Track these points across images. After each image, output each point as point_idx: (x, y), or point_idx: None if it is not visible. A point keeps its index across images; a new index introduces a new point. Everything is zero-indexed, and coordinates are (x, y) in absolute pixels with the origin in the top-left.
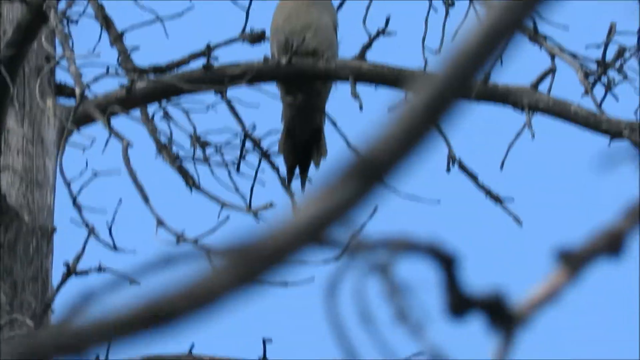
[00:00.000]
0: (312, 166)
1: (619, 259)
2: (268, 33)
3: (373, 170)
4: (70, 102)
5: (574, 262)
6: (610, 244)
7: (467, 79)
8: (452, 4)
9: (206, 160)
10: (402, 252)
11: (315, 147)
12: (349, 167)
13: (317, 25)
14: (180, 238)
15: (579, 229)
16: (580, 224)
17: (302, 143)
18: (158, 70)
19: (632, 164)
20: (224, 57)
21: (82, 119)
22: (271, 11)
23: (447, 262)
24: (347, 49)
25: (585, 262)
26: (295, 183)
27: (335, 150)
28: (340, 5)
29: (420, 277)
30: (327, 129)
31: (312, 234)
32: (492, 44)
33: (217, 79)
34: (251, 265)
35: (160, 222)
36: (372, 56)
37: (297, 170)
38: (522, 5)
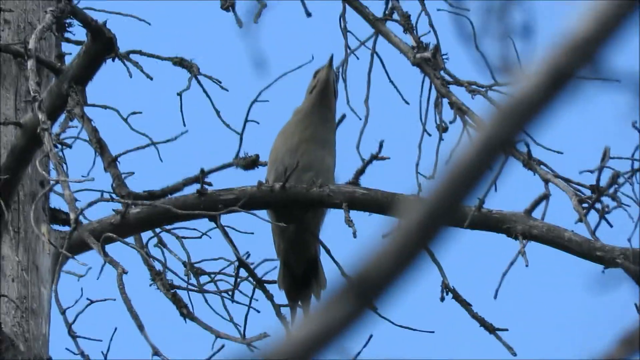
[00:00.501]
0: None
1: None
2: (262, 158)
3: (366, 291)
4: (64, 229)
5: None
6: None
7: (458, 200)
8: (446, 129)
9: (201, 288)
10: None
11: (314, 279)
12: (342, 288)
13: (320, 167)
14: None
15: (574, 357)
16: (575, 354)
17: (301, 275)
18: (152, 196)
19: (626, 290)
20: (218, 182)
21: (77, 246)
22: (266, 136)
23: None
24: (341, 174)
25: None
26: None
27: (333, 278)
28: (334, 128)
29: None
30: (323, 257)
31: (305, 355)
32: (482, 165)
33: (211, 205)
34: None
35: (155, 352)
36: (366, 181)
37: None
38: (511, 124)
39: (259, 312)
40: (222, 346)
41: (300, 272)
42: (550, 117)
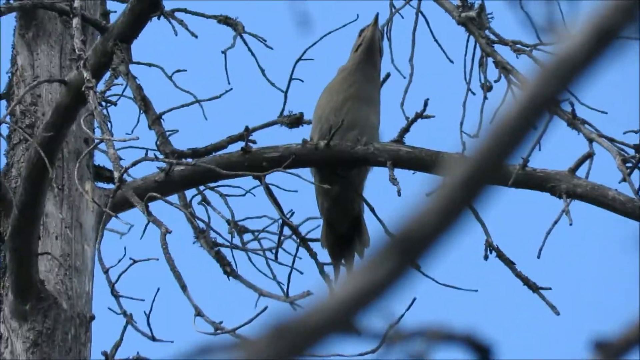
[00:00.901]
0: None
1: None
2: (307, 116)
3: (410, 249)
4: (108, 186)
5: (610, 352)
6: None
7: (502, 159)
8: (490, 88)
9: (244, 247)
10: (439, 342)
11: (357, 237)
12: (386, 246)
13: (364, 125)
14: (218, 328)
15: (616, 318)
16: (618, 313)
17: (344, 234)
18: (196, 154)
19: None
20: (262, 140)
21: (120, 204)
22: (310, 94)
23: (484, 352)
24: (386, 132)
25: (622, 352)
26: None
27: (377, 236)
28: (379, 85)
29: None
30: (366, 215)
31: (348, 313)
32: (527, 123)
33: (255, 163)
34: (289, 343)
35: (198, 312)
36: (410, 140)
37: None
38: (555, 83)
39: (302, 273)
40: (266, 307)
41: (344, 231)
42: (594, 76)
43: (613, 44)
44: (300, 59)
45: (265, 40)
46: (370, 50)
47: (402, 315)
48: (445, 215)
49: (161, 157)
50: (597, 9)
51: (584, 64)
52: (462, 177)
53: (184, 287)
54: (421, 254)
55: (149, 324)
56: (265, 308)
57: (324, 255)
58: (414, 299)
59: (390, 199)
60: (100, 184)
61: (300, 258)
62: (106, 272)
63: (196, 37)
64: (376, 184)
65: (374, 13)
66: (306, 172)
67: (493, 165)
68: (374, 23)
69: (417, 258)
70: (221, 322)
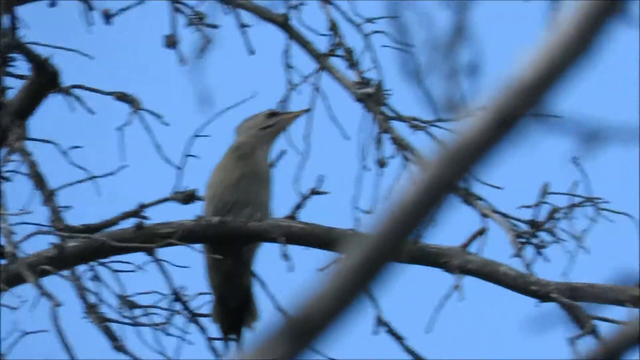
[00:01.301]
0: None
1: None
2: (201, 192)
3: (304, 332)
4: (1, 261)
5: None
6: None
7: (401, 239)
8: (385, 165)
9: (134, 321)
10: None
11: (248, 311)
12: (280, 328)
13: (258, 202)
14: None
15: None
16: None
17: (234, 308)
18: (89, 229)
19: (561, 327)
20: (157, 216)
21: (13, 278)
22: (205, 170)
23: None
24: (280, 209)
25: None
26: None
27: (268, 311)
28: (273, 164)
29: None
30: (258, 290)
31: None
32: (429, 203)
33: (148, 239)
34: None
35: None
36: (305, 217)
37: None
38: (456, 167)
39: (192, 343)
40: None
41: (234, 306)
42: (494, 159)
43: (512, 129)
44: (196, 135)
45: (161, 117)
46: (278, 135)
47: None
48: (341, 297)
49: (54, 232)
50: (499, 94)
51: (484, 148)
52: (359, 259)
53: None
54: (316, 336)
55: None
56: None
57: (213, 330)
58: None
59: (283, 276)
60: None
61: (190, 333)
62: None
63: (93, 113)
64: (269, 261)
65: (273, 91)
66: (198, 247)
67: (392, 247)
68: (296, 116)
69: (312, 340)
70: None
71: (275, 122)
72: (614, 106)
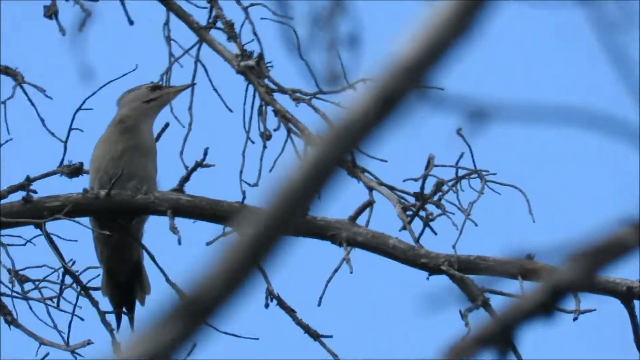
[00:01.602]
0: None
1: None
2: (87, 166)
3: (198, 311)
4: None
5: None
6: None
7: (291, 216)
8: (269, 137)
9: (25, 295)
10: None
11: (138, 284)
12: (173, 308)
13: (143, 175)
14: None
15: None
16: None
17: (124, 281)
18: None
19: (451, 302)
20: (44, 190)
21: None
22: (90, 144)
23: None
24: (165, 182)
25: None
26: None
27: (159, 284)
28: (158, 137)
29: None
30: (148, 263)
31: None
32: (315, 180)
33: (36, 212)
34: None
35: None
36: (191, 189)
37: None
38: (346, 141)
39: (83, 319)
40: (47, 354)
41: (124, 279)
42: (380, 135)
43: (397, 108)
44: (79, 108)
45: (44, 90)
46: (161, 108)
47: None
48: (234, 275)
49: None
50: (382, 73)
51: (369, 127)
52: (250, 235)
53: None
54: (210, 314)
55: None
56: (47, 355)
57: (105, 304)
58: (194, 345)
59: (172, 248)
60: None
61: (81, 307)
62: None
63: None
64: (157, 233)
65: (154, 64)
66: (86, 222)
67: (282, 222)
68: (180, 89)
69: (205, 318)
70: None
71: (159, 95)
72: (498, 83)
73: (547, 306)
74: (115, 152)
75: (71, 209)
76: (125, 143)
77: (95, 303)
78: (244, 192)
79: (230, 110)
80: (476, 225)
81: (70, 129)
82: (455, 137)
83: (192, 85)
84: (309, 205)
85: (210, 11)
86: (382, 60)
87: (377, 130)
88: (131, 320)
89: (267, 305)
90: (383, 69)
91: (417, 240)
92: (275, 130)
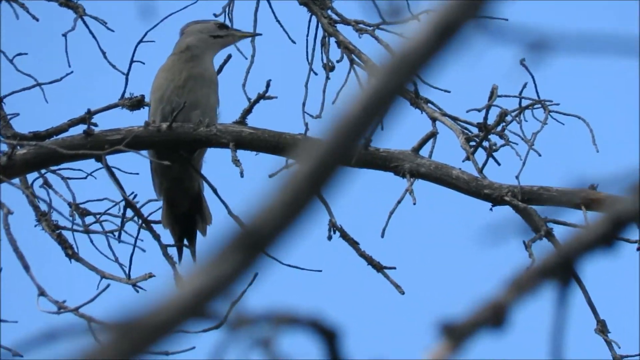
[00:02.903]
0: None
1: (501, 331)
2: (148, 99)
3: (257, 242)
4: None
5: (457, 334)
6: (493, 316)
7: (351, 146)
8: (333, 69)
9: (86, 229)
10: (284, 326)
11: (199, 215)
12: (233, 239)
13: (206, 105)
14: (61, 307)
15: (462, 299)
16: (464, 294)
17: (185, 212)
18: (38, 137)
19: (515, 233)
20: (105, 122)
21: None
22: (152, 76)
23: (329, 336)
24: (228, 114)
25: (468, 334)
26: (184, 253)
27: (220, 216)
28: (220, 69)
29: (303, 350)
30: (208, 195)
31: (196, 307)
32: (375, 109)
33: (97, 145)
34: (136, 340)
35: (41, 292)
36: (253, 121)
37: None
38: (405, 70)
39: (144, 251)
40: (108, 285)
41: (185, 209)
42: (440, 64)
43: (457, 36)
44: (140, 41)
45: (106, 23)
46: (222, 47)
47: (242, 294)
48: (293, 205)
49: (3, 140)
50: (441, 3)
51: (429, 56)
52: (309, 165)
53: (26, 267)
54: (269, 245)
55: None
56: (107, 286)
57: (167, 237)
58: (256, 275)
59: (233, 180)
60: None
61: (142, 240)
62: None
63: (37, 20)
64: (219, 165)
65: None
66: (146, 154)
67: (342, 152)
68: (245, 35)
69: (264, 249)
70: (64, 302)
71: (226, 34)
72: (559, 14)
73: (610, 236)
74: (179, 80)
75: (132, 141)
76: (189, 71)
77: (157, 236)
78: (306, 124)
79: (293, 42)
80: (539, 155)
81: (132, 61)
82: (517, 67)
83: (257, 34)
84: (371, 136)
85: None
86: None
87: (437, 59)
88: (193, 252)
89: (330, 237)
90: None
91: (480, 171)
92: (338, 61)
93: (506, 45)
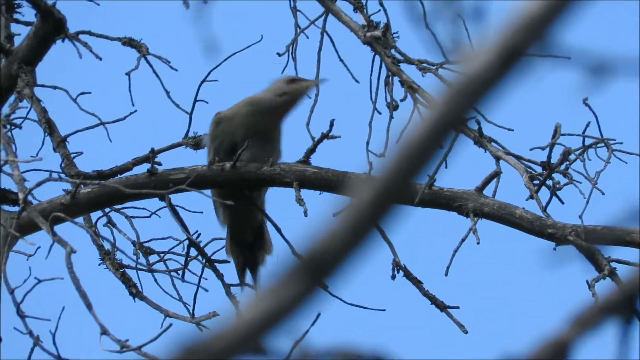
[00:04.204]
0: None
1: None
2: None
3: (318, 270)
4: (14, 209)
5: None
6: (556, 353)
7: (408, 178)
8: (396, 107)
9: (150, 267)
10: None
11: (261, 245)
12: (293, 267)
13: (262, 155)
14: (124, 346)
15: (524, 336)
16: (526, 332)
17: (248, 244)
18: (102, 175)
19: (577, 266)
20: (168, 162)
21: (26, 226)
22: (210, 115)
23: None
24: (292, 153)
25: None
26: (242, 289)
27: (280, 250)
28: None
29: None
30: (274, 237)
31: (255, 335)
32: (432, 142)
33: (161, 184)
34: None
35: (104, 331)
36: (317, 160)
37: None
38: (462, 102)
39: (207, 291)
40: (170, 325)
41: (247, 241)
42: (501, 95)
43: (518, 64)
44: (204, 80)
45: (169, 62)
46: (293, 104)
47: (306, 333)
48: (353, 235)
49: (66, 178)
50: (503, 28)
51: (490, 83)
52: (369, 196)
53: (89, 306)
54: (329, 275)
55: (54, 344)
56: (170, 325)
57: (230, 276)
58: (319, 314)
59: (297, 220)
60: (6, 207)
61: (206, 279)
62: (12, 292)
63: (100, 59)
64: (283, 205)
65: (280, 35)
66: (209, 192)
67: (400, 185)
68: (313, 83)
69: (325, 279)
70: (127, 340)
71: (292, 88)
72: (620, 38)
73: None
74: (237, 136)
75: (196, 180)
76: (248, 129)
77: (220, 275)
78: (370, 163)
79: (357, 81)
80: (603, 194)
81: (195, 100)
82: (580, 102)
83: (322, 81)
84: (434, 175)
85: None
86: (504, 18)
87: (497, 87)
88: (255, 281)
89: (393, 277)
90: (504, 25)
91: (544, 210)
92: (402, 100)
93: (566, 70)
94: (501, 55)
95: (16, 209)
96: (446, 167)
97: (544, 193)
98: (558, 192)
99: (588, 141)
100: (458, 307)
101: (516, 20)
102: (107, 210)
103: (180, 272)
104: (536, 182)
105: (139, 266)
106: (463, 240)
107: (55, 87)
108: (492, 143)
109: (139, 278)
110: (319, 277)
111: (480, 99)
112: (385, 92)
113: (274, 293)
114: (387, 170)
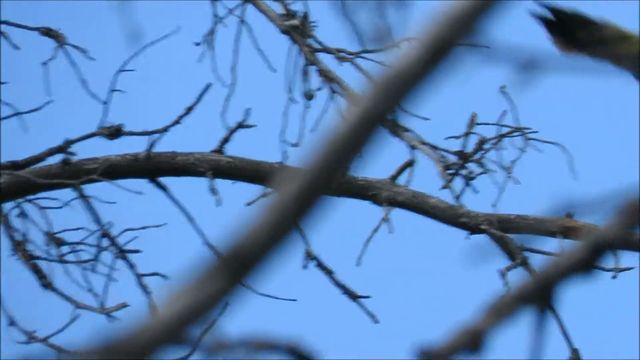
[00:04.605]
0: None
1: (478, 357)
2: (127, 127)
3: (239, 267)
4: None
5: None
6: (471, 342)
7: (332, 174)
8: (312, 97)
9: (61, 258)
10: (262, 351)
11: None
12: (213, 264)
13: None
14: (32, 337)
15: (438, 326)
16: (441, 322)
17: None
18: (15, 166)
19: (492, 259)
20: (84, 152)
21: None
22: (131, 105)
23: None
24: (207, 142)
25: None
26: (153, 280)
27: (196, 246)
28: (200, 97)
29: None
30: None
31: (173, 333)
32: (357, 138)
33: (75, 175)
34: None
35: (12, 321)
36: (232, 149)
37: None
38: (388, 99)
39: (117, 281)
40: (78, 315)
41: None
42: (426, 90)
43: (447, 57)
44: (121, 70)
45: (86, 51)
46: None
47: (214, 322)
48: (276, 231)
49: None
50: (432, 22)
51: (418, 78)
52: (293, 192)
53: None
54: (251, 272)
55: None
56: (77, 316)
57: (142, 266)
58: (227, 304)
59: (210, 209)
60: None
61: (118, 270)
62: None
63: (18, 48)
64: (196, 194)
65: (198, 24)
66: (123, 183)
67: (325, 179)
68: None
69: (246, 276)
70: (34, 332)
71: None
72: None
73: (586, 265)
74: None
75: (109, 170)
76: None
77: (132, 266)
78: (285, 153)
79: (274, 70)
80: (519, 183)
81: (112, 90)
82: (498, 91)
83: None
84: (349, 164)
85: None
86: (430, 12)
87: (423, 83)
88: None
89: (305, 266)
90: (431, 20)
91: (457, 199)
92: (318, 90)
93: (496, 66)
94: (427, 51)
95: None
96: (361, 157)
97: (459, 183)
98: (473, 182)
99: (504, 130)
100: (370, 297)
101: (446, 13)
102: (19, 200)
103: (91, 263)
104: (451, 171)
105: (49, 257)
106: (375, 229)
107: None
108: (408, 132)
109: (49, 269)
110: (241, 275)
111: (406, 95)
112: (303, 82)
113: (194, 290)
114: (312, 165)
